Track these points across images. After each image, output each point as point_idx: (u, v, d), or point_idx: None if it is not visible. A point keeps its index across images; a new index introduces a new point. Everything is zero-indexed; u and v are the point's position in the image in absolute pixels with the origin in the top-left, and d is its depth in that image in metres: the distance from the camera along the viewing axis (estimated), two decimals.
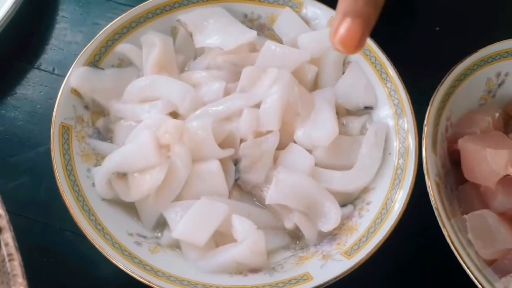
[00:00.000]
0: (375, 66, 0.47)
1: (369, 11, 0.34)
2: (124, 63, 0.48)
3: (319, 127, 0.43)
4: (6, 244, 0.26)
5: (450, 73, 0.46)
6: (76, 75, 0.44)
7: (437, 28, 0.59)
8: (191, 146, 0.41)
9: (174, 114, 0.45)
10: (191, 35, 0.49)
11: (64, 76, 0.45)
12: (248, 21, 0.52)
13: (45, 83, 0.53)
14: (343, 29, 0.34)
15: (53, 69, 0.54)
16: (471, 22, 0.59)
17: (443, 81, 0.46)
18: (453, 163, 0.46)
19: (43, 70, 0.54)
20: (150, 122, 0.42)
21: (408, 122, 0.44)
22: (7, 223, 0.28)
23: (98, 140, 0.45)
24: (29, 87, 0.53)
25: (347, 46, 0.34)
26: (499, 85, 0.50)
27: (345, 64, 0.49)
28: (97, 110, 0.46)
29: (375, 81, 0.47)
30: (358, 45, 0.34)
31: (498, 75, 0.49)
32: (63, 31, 0.56)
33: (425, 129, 0.43)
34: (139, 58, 0.48)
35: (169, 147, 0.41)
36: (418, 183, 0.42)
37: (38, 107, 0.52)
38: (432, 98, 0.44)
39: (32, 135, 0.50)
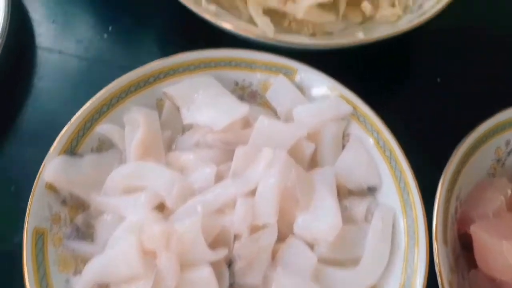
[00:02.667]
0: (378, 142, 0.44)
1: None
2: (105, 145, 0.44)
3: (321, 218, 0.40)
4: None
5: (456, 151, 0.43)
6: (51, 168, 0.40)
7: (438, 80, 0.56)
8: (180, 249, 0.37)
9: (161, 205, 0.41)
10: (178, 109, 0.45)
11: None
12: (240, 89, 0.48)
13: None
14: None
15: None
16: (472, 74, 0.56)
17: (450, 162, 0.42)
18: (463, 246, 0.43)
19: None
20: (135, 220, 0.38)
21: (416, 209, 0.40)
22: None
23: (77, 241, 0.40)
24: None
25: None
26: (509, 153, 0.47)
27: (344, 136, 0.46)
28: (76, 204, 0.41)
29: (378, 158, 0.44)
30: None
31: (508, 143, 0.47)
32: None
33: (435, 220, 0.39)
34: (121, 139, 0.43)
35: (155, 253, 0.37)
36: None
37: None
38: (439, 187, 0.40)
39: None
